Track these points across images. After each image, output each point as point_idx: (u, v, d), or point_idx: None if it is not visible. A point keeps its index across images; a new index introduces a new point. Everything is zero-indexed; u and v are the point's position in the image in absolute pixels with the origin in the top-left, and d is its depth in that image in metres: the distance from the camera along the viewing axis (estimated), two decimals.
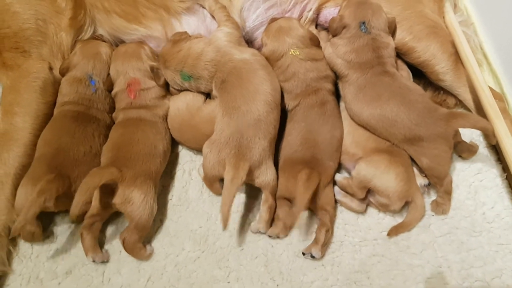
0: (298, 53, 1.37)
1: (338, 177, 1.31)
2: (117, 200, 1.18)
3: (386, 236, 1.27)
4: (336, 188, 1.31)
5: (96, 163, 1.29)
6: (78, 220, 1.28)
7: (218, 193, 1.34)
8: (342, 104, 1.41)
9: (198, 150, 1.44)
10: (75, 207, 1.12)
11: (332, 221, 1.27)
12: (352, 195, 1.28)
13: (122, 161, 1.23)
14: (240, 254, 1.27)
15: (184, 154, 1.47)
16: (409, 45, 1.43)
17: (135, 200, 1.19)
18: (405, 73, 1.46)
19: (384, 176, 1.21)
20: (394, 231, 1.26)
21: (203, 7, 1.51)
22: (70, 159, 1.25)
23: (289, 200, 1.25)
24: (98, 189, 1.18)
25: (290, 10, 1.50)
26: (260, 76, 1.30)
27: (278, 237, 1.27)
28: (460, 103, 1.49)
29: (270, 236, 1.27)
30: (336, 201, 1.31)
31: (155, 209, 1.25)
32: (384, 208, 1.27)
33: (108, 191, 1.20)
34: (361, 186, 1.24)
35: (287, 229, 1.27)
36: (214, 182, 1.30)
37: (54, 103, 1.39)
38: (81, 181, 1.14)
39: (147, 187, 1.22)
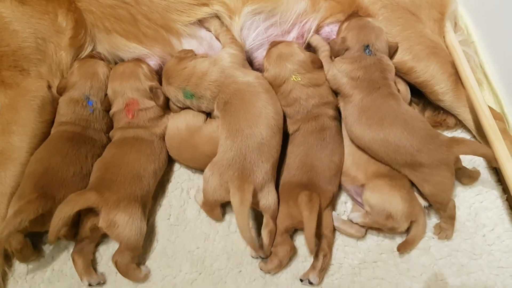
0: (299, 79, 1.36)
1: (356, 218, 1.27)
2: (102, 224, 1.17)
3: (387, 258, 1.26)
4: (334, 214, 1.29)
5: (85, 183, 1.27)
6: (70, 239, 1.28)
7: (219, 219, 1.34)
8: (343, 124, 1.40)
9: (196, 169, 1.43)
10: (52, 233, 1.12)
11: (330, 245, 1.25)
12: (381, 230, 1.27)
13: (107, 184, 1.22)
14: (238, 276, 1.26)
15: (182, 173, 1.46)
16: (409, 65, 1.42)
17: (120, 222, 1.17)
18: (402, 87, 1.45)
19: (391, 200, 1.21)
20: (402, 248, 1.25)
21: (207, 30, 1.51)
22: (57, 179, 1.23)
23: (293, 228, 1.24)
24: (84, 212, 1.18)
25: (289, 29, 1.49)
26: (263, 99, 1.29)
27: (269, 273, 1.25)
28: (460, 123, 1.49)
29: (261, 270, 1.25)
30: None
31: (144, 229, 1.23)
32: (390, 230, 1.25)
33: (94, 214, 1.19)
34: (382, 217, 1.22)
35: (281, 267, 1.24)
36: (215, 208, 1.29)
37: (52, 122, 1.39)
38: None
39: (132, 209, 1.20)
